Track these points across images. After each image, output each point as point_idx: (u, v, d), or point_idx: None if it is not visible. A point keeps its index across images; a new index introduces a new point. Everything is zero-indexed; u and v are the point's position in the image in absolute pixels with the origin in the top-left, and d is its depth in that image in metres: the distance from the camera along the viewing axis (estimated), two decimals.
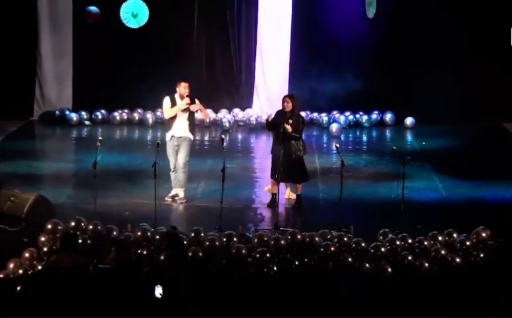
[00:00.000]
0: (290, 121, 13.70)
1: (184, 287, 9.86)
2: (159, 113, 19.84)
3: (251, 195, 14.64)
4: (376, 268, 11.25)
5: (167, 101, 14.06)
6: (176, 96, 14.02)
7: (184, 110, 13.94)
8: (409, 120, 20.76)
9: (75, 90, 21.16)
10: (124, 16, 18.13)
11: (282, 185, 13.88)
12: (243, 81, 21.51)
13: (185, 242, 11.51)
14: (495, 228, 12.09)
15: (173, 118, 13.99)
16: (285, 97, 14.12)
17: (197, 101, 14.10)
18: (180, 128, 14.01)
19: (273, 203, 13.83)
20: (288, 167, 13.61)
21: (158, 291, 9.47)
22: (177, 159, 13.98)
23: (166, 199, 13.91)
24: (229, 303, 10.29)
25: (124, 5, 18.14)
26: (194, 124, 14.31)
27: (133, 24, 18.14)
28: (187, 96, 13.90)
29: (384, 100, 20.87)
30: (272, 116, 14.00)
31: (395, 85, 20.51)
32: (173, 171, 14.02)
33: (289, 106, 13.82)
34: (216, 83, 21.40)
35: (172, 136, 14.00)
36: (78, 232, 11.49)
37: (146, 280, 10.00)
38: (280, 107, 14.07)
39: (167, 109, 14.06)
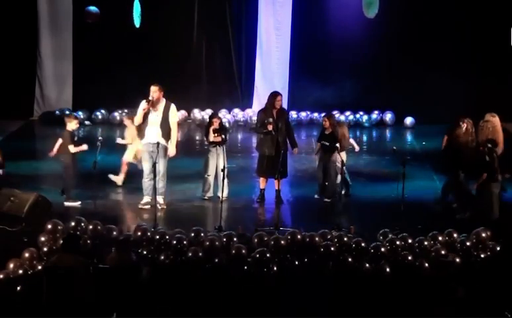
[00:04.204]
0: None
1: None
2: None
3: (250, 195, 14.63)
4: (376, 268, 11.24)
5: (140, 106, 13.53)
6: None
7: (146, 113, 13.42)
8: (409, 120, 20.79)
9: (75, 90, 21.18)
10: (134, 17, 18.04)
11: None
12: (243, 81, 21.52)
13: (185, 242, 11.50)
14: (495, 228, 12.09)
15: (144, 123, 13.51)
16: (279, 94, 14.19)
17: (173, 107, 13.53)
18: (153, 135, 13.49)
19: (263, 198, 14.12)
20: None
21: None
22: (158, 167, 13.33)
23: (140, 207, 13.59)
24: (229, 303, 10.30)
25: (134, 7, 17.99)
26: (169, 130, 13.51)
27: (137, 24, 18.10)
28: (147, 99, 13.39)
29: (384, 100, 20.87)
30: (270, 120, 13.91)
31: (395, 85, 20.52)
32: (147, 178, 13.49)
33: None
34: (216, 83, 21.41)
35: (147, 142, 13.51)
36: (78, 232, 11.48)
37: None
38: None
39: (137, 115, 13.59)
